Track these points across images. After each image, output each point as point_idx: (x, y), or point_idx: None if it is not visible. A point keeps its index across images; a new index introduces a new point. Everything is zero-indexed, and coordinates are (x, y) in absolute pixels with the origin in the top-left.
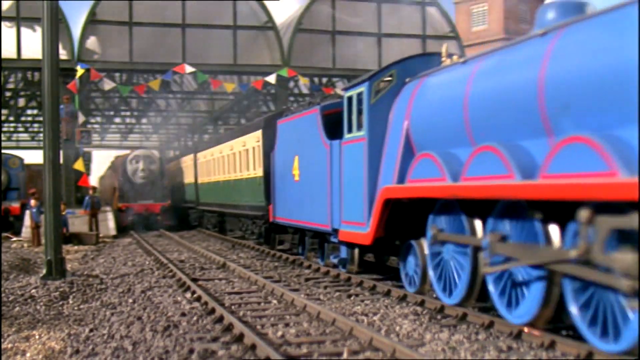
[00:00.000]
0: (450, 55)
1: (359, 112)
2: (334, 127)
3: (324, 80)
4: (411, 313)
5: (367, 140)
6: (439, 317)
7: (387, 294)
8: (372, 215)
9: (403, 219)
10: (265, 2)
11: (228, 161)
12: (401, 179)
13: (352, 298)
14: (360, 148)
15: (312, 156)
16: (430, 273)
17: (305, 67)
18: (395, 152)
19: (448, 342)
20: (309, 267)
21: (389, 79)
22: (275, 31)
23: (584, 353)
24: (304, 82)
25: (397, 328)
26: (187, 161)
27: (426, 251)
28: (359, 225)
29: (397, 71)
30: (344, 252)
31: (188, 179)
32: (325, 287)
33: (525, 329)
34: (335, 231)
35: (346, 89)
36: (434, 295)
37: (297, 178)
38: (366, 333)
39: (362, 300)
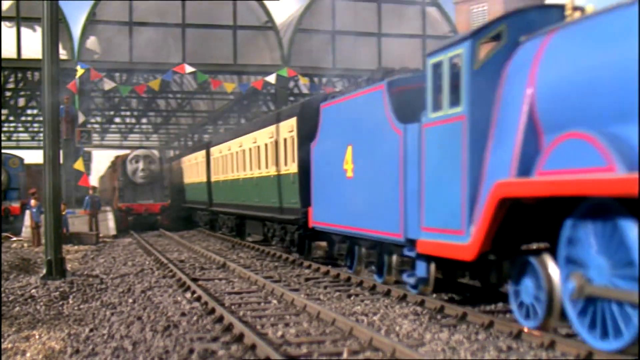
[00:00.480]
0: (579, 8)
1: (453, 82)
2: (405, 108)
3: (324, 80)
4: (411, 313)
5: (468, 119)
6: (438, 317)
7: (387, 294)
8: (475, 220)
9: (511, 226)
10: (265, 2)
11: (250, 156)
12: (524, 169)
13: (352, 298)
14: (457, 130)
15: (374, 145)
16: (566, 304)
17: (305, 67)
18: (511, 133)
19: (448, 342)
20: (309, 267)
21: (496, 37)
22: (275, 31)
23: (584, 353)
24: (304, 82)
25: (397, 328)
26: (197, 157)
27: (554, 272)
28: (454, 234)
29: (507, 27)
30: (421, 269)
31: (198, 177)
32: (325, 287)
33: (525, 329)
34: (410, 242)
35: (432, 54)
36: (560, 329)
37: (349, 174)
38: (366, 333)
39: (362, 300)
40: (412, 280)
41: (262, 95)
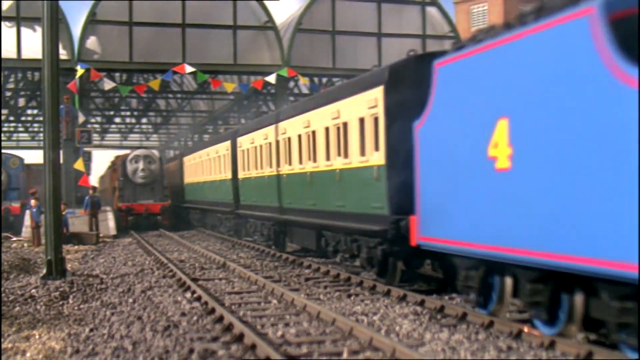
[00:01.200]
0: None
1: None
2: (630, 47)
3: (324, 80)
4: (411, 313)
5: None
6: (439, 316)
7: (387, 293)
8: None
9: None
10: (265, 2)
11: (300, 145)
12: None
13: (352, 298)
14: None
15: (567, 112)
16: None
17: (305, 67)
18: None
19: (448, 342)
20: (309, 266)
21: None
22: (275, 31)
23: (584, 353)
24: (304, 82)
25: (397, 328)
26: (219, 150)
27: None
28: None
29: None
30: None
31: (218, 173)
32: (325, 287)
33: (525, 329)
34: None
35: None
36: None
37: (503, 164)
38: (366, 333)
39: (362, 300)
40: None
41: (262, 95)
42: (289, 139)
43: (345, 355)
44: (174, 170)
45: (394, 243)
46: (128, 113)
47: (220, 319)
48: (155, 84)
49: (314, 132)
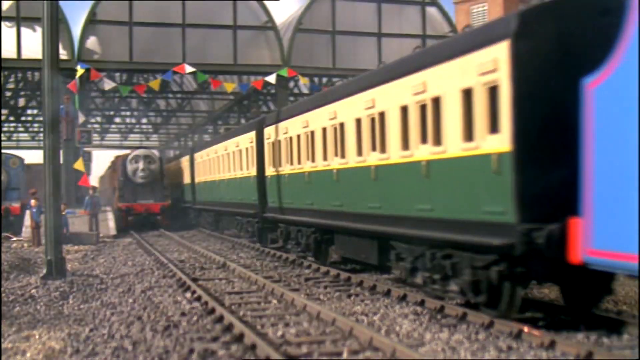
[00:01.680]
0: None
1: None
2: None
3: (324, 80)
4: (411, 313)
5: None
6: (439, 317)
7: (387, 293)
8: None
9: None
10: (265, 2)
11: (355, 133)
12: None
13: (352, 298)
14: None
15: None
16: None
17: (305, 67)
18: None
19: (448, 342)
20: (309, 267)
21: None
22: (275, 31)
23: (584, 353)
24: (304, 82)
25: (397, 328)
26: (239, 143)
27: None
28: None
29: None
30: None
31: (239, 171)
32: (325, 287)
33: (525, 329)
34: None
35: None
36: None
37: None
38: (366, 333)
39: (362, 300)
40: None
41: (262, 95)
42: (342, 124)
43: (345, 355)
44: (178, 170)
45: (520, 262)
46: (128, 113)
47: (220, 319)
48: (155, 84)
49: (381, 115)
